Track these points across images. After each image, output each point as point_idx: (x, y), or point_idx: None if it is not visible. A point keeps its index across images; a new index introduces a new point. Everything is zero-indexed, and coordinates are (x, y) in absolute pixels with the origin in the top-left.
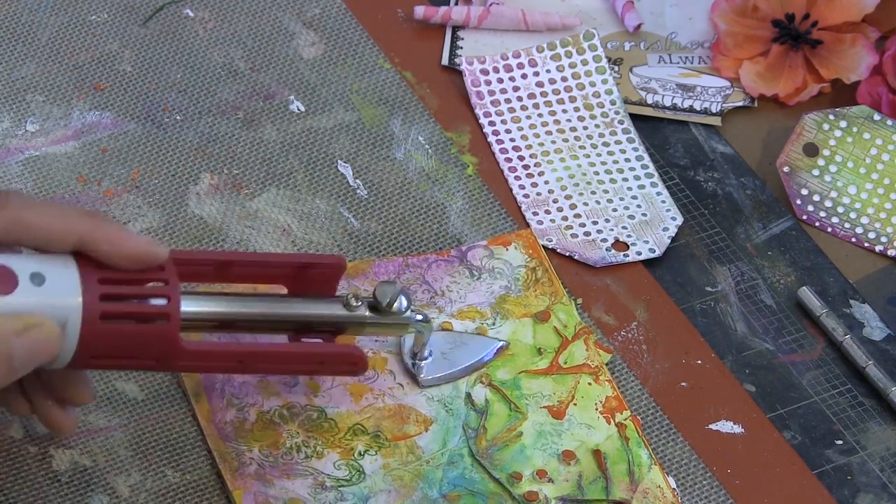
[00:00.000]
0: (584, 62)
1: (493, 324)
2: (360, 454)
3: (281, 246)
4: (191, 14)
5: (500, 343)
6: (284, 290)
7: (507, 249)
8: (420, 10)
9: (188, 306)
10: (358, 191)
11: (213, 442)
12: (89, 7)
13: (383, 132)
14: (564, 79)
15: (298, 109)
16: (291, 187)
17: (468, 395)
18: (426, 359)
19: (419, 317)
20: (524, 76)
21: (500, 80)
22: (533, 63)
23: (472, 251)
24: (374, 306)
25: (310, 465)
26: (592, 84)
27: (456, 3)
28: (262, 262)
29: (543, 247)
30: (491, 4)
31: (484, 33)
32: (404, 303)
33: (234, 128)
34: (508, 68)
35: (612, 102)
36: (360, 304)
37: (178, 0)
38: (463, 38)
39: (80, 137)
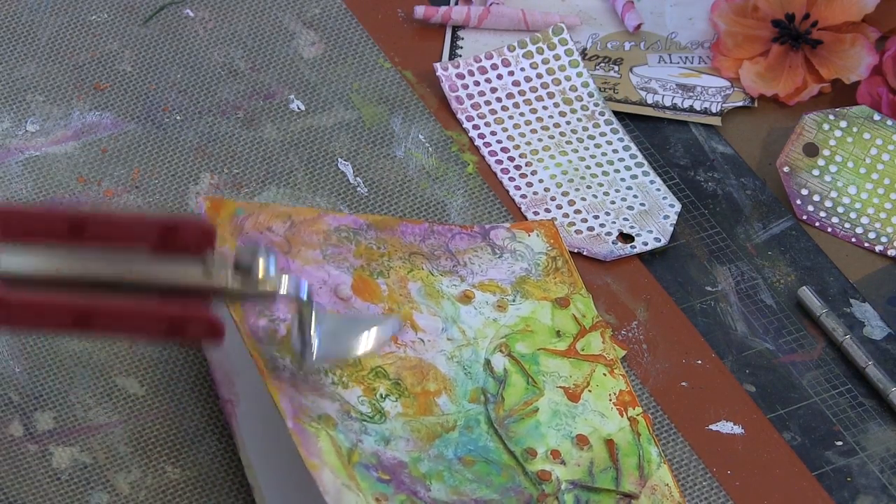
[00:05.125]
0: (557, 57)
1: (514, 300)
2: (381, 396)
3: None
4: (191, 14)
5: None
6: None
7: (528, 235)
8: (420, 10)
9: (8, 263)
10: (358, 189)
11: (248, 340)
12: (89, 7)
13: (383, 130)
14: (540, 75)
15: (298, 108)
16: (292, 186)
17: (487, 362)
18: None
19: (290, 287)
20: (499, 76)
21: (477, 83)
22: (506, 63)
23: (495, 231)
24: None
25: (337, 391)
26: (568, 78)
27: (456, 3)
28: (119, 220)
29: None
30: (491, 4)
31: (484, 33)
32: (272, 269)
33: (234, 127)
34: (483, 70)
35: (590, 95)
36: (224, 267)
37: (178, 0)
38: (463, 38)
39: (81, 137)
